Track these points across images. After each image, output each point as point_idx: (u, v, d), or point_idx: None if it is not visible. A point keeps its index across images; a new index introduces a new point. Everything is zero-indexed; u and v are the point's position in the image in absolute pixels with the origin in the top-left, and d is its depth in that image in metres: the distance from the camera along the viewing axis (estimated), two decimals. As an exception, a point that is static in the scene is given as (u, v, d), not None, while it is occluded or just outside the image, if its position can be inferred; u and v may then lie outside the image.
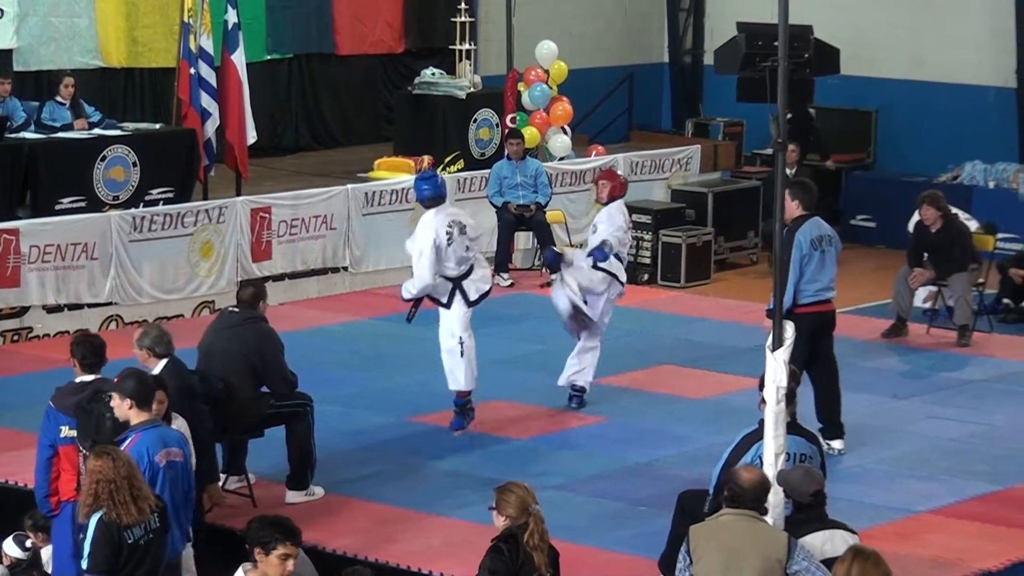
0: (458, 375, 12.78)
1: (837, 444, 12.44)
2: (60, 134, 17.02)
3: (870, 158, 24.03)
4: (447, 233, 12.51)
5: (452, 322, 12.76)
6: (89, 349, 9.92)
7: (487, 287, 12.93)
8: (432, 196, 12.66)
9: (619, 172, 14.48)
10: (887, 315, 16.40)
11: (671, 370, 14.83)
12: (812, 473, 9.08)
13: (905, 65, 24.00)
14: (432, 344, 12.98)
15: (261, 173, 19.48)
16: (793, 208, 12.25)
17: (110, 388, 9.35)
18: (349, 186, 18.28)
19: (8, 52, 19.15)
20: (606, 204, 13.64)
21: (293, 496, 11.44)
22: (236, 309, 11.64)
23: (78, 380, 9.86)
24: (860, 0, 24.06)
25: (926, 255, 16.08)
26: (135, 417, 9.14)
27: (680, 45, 26.25)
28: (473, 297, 12.79)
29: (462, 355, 12.71)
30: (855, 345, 15.62)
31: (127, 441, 9.02)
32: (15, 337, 15.42)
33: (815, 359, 12.34)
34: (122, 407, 9.17)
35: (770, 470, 9.19)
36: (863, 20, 23.64)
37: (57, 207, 16.42)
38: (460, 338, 12.73)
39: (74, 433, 9.57)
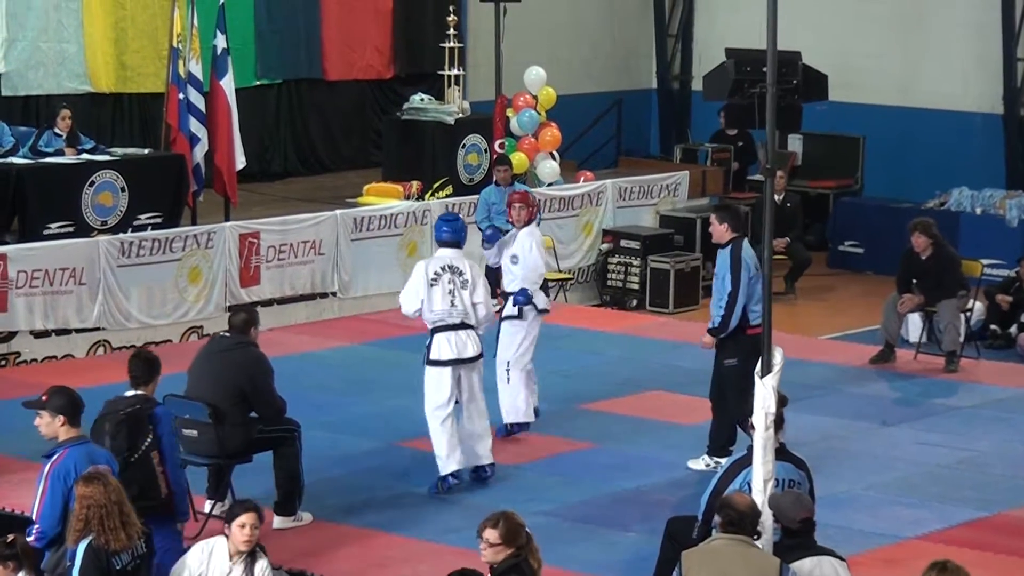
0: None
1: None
2: (49, 159, 17.02)
3: (857, 184, 24.08)
4: (434, 274, 12.20)
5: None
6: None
7: (459, 355, 12.15)
8: (448, 240, 12.40)
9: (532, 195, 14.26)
10: (875, 341, 16.41)
11: (659, 396, 14.83)
12: (802, 499, 9.09)
13: (892, 91, 24.09)
14: (420, 370, 12.90)
15: (250, 198, 19.48)
16: (723, 231, 12.46)
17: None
18: (338, 211, 18.29)
19: (-5, 77, 19.18)
20: (523, 227, 13.44)
21: (280, 522, 11.42)
22: (227, 334, 11.63)
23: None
24: (848, 27, 24.16)
25: (915, 281, 16.10)
26: (64, 434, 9.28)
27: (668, 71, 26.32)
28: (433, 356, 12.14)
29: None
30: (843, 371, 15.64)
31: (54, 456, 9.09)
32: (2, 362, 15.38)
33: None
34: (53, 424, 9.30)
35: (759, 496, 9.20)
36: (851, 47, 23.73)
37: (45, 232, 16.40)
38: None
39: None
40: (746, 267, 12.28)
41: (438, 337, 12.15)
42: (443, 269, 12.24)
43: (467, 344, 12.21)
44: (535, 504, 11.67)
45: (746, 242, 12.54)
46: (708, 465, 12.49)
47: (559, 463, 12.96)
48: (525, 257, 13.31)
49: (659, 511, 11.24)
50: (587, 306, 19.68)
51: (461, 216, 18.50)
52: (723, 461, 12.04)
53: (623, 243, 20.26)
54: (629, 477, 12.56)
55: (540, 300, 13.43)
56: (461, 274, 12.24)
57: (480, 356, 12.31)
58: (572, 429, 13.76)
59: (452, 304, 12.16)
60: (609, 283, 20.33)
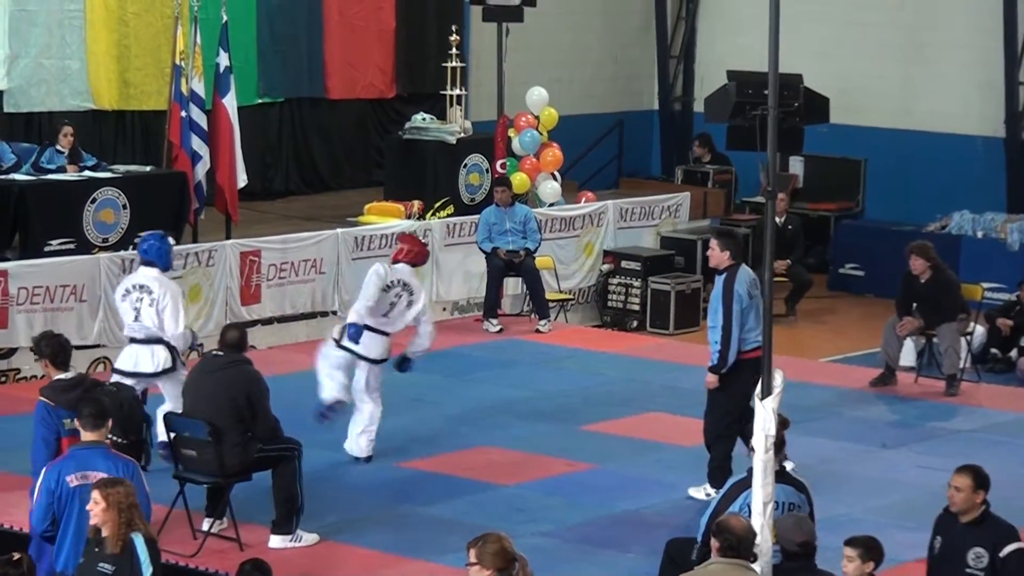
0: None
1: None
2: (51, 176, 17.02)
3: (859, 207, 24.08)
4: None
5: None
6: (58, 347, 10.54)
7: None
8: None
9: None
10: (875, 364, 16.40)
11: (659, 417, 14.82)
12: (803, 522, 9.08)
13: (894, 114, 24.10)
14: (421, 389, 12.96)
15: (251, 217, 19.48)
16: (724, 258, 12.41)
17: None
18: (339, 230, 18.28)
19: (-2, 94, 19.20)
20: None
21: (277, 541, 11.41)
22: (220, 353, 11.63)
23: (61, 377, 10.36)
24: (850, 50, 24.18)
25: (915, 304, 16.10)
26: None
27: (670, 92, 26.34)
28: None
29: None
30: (843, 394, 15.64)
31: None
32: (2, 379, 15.37)
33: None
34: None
35: (758, 519, 9.19)
36: (853, 70, 23.75)
37: (47, 249, 16.40)
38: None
39: (75, 425, 9.81)
40: (738, 298, 12.22)
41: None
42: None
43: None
44: (535, 525, 11.67)
45: (743, 268, 12.45)
46: (708, 495, 12.39)
47: (559, 484, 12.95)
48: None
49: (659, 532, 11.23)
50: (587, 327, 19.68)
51: (463, 235, 18.75)
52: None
53: (624, 264, 20.25)
54: (629, 498, 12.56)
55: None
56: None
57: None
58: (572, 450, 13.75)
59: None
60: (610, 304, 20.32)
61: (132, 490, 8.67)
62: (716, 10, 25.88)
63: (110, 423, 9.63)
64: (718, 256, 12.45)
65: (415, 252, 13.61)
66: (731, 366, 12.25)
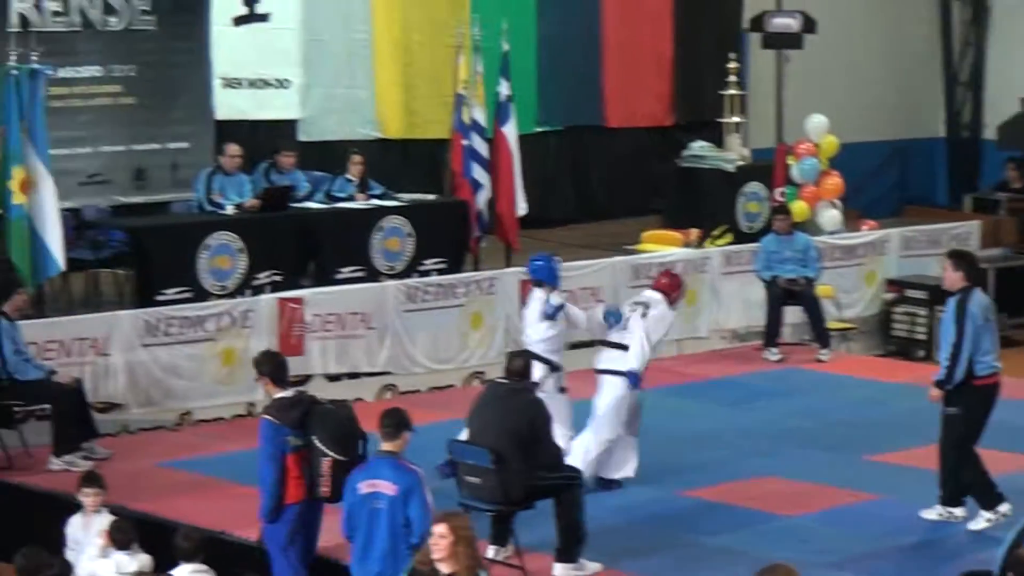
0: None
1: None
2: (341, 204, 17.41)
3: None
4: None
5: None
6: (277, 366, 10.80)
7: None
8: None
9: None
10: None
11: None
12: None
13: None
14: (701, 418, 12.84)
15: (530, 245, 19.59)
16: (956, 279, 12.25)
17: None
18: (616, 258, 18.31)
19: (293, 123, 19.73)
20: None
21: (561, 569, 11.41)
22: (505, 380, 11.71)
23: (283, 395, 10.64)
24: None
25: None
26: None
27: (958, 119, 25.78)
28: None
29: None
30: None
31: None
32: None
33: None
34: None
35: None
36: None
37: (337, 276, 16.78)
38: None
39: (299, 442, 10.40)
40: (972, 318, 12.07)
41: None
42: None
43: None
44: (821, 556, 11.50)
45: (978, 292, 12.28)
46: (941, 515, 12.30)
47: (843, 515, 12.74)
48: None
49: (949, 565, 10.97)
50: (870, 356, 19.34)
51: (742, 263, 18.59)
52: (956, 511, 12.11)
53: (908, 293, 19.85)
54: (916, 530, 12.29)
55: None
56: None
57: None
58: (856, 480, 13.52)
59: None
60: (894, 333, 19.94)
61: (472, 523, 8.40)
62: (1006, 35, 25.25)
63: (407, 436, 9.85)
64: (951, 277, 12.32)
65: (669, 284, 13.62)
66: (968, 391, 12.09)
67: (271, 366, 10.81)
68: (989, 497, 12.23)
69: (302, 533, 10.55)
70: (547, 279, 13.48)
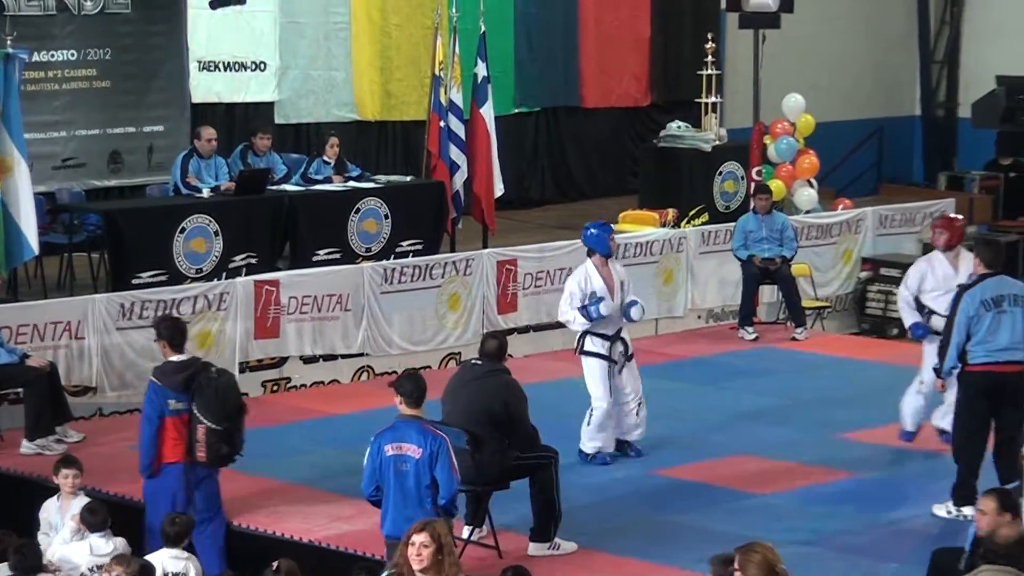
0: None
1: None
2: (318, 187, 17.43)
3: None
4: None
5: None
6: (176, 331, 11.37)
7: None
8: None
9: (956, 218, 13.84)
10: None
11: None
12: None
13: None
14: (675, 397, 12.89)
15: (507, 225, 19.67)
16: (975, 265, 12.07)
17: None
18: (594, 239, 18.30)
19: (270, 105, 19.72)
20: (944, 252, 13.26)
21: (536, 548, 11.46)
22: (479, 362, 11.74)
23: (173, 359, 11.21)
24: None
25: None
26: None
27: (933, 98, 25.85)
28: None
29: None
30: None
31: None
32: (274, 387, 15.70)
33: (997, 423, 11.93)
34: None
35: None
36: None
37: (314, 258, 16.80)
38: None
39: (181, 406, 11.07)
40: (963, 308, 11.79)
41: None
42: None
43: None
44: (793, 534, 11.55)
45: (990, 280, 11.82)
46: (950, 513, 12.07)
47: (817, 493, 12.79)
48: None
49: (922, 542, 11.04)
50: (845, 334, 19.42)
51: (718, 243, 18.65)
52: (965, 510, 11.79)
53: (883, 271, 19.94)
54: (889, 508, 12.35)
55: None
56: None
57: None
58: (830, 458, 13.58)
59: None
60: (868, 311, 20.02)
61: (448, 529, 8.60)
62: (981, 14, 25.32)
63: (423, 401, 10.10)
64: (973, 263, 12.20)
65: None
66: (961, 379, 11.91)
67: (170, 331, 11.39)
68: (962, 493, 11.96)
69: (183, 493, 11.13)
70: (598, 248, 13.56)
